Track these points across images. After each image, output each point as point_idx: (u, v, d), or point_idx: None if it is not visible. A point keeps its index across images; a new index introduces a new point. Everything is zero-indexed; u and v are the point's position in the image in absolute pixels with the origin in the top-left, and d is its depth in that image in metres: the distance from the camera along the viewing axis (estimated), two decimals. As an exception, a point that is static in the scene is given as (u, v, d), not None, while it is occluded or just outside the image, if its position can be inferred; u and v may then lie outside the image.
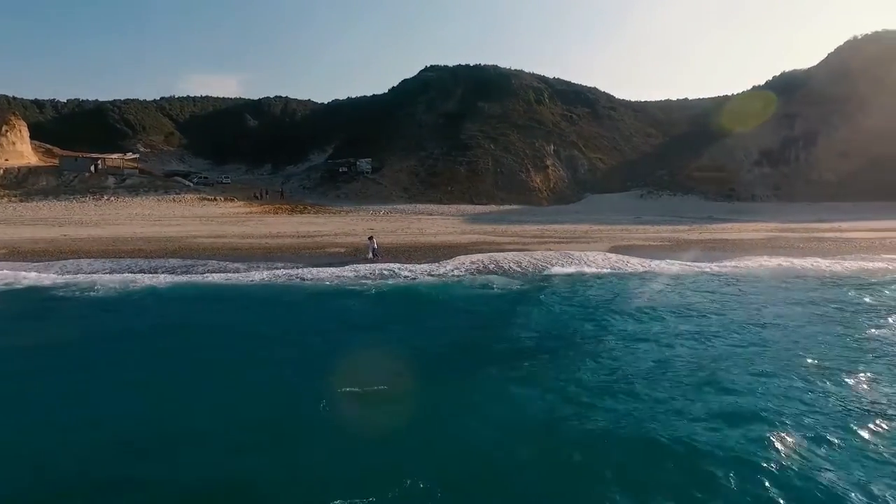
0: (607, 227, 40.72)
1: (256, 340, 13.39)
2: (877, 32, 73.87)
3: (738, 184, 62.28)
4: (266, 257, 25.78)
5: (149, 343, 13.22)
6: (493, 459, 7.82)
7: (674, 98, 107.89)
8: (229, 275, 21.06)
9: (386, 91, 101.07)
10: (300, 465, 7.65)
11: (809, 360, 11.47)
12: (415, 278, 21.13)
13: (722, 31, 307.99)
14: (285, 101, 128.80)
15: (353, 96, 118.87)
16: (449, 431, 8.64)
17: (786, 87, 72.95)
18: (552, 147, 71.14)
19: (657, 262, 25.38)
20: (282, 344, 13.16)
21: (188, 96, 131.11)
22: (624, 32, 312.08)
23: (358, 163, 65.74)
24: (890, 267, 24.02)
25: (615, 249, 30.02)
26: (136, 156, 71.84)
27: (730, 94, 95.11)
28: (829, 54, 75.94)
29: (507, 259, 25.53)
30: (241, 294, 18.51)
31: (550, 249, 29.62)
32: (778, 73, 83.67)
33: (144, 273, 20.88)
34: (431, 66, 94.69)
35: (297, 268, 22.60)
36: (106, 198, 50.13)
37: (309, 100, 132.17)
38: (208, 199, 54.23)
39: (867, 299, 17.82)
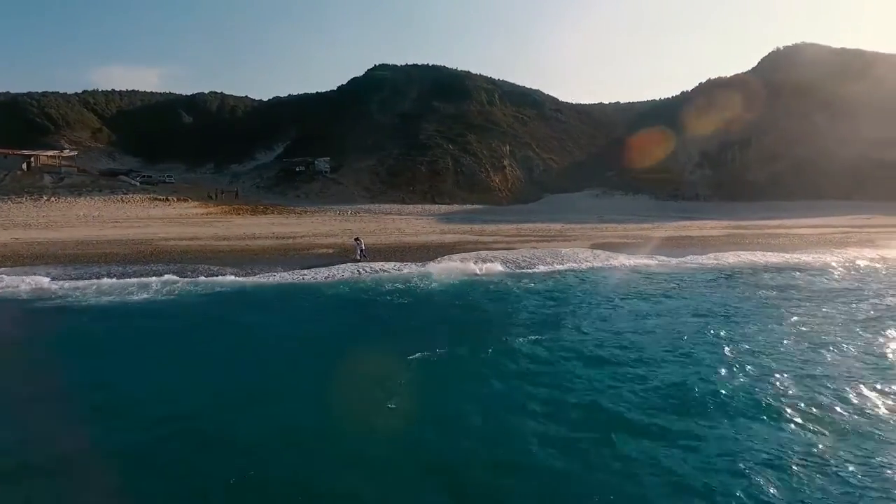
0: (579, 226, 42.19)
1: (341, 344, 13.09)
2: (796, 45, 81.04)
3: (682, 184, 66.32)
4: (255, 260, 24.87)
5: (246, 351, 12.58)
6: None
7: (606, 101, 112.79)
8: (235, 279, 20.25)
9: (334, 89, 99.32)
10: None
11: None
12: (430, 277, 21.20)
13: (654, 39, 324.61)
14: (221, 97, 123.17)
15: (295, 94, 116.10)
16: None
17: (714, 92, 78.29)
18: (507, 147, 72.66)
19: (644, 258, 26.76)
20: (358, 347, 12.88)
21: (113, 90, 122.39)
22: (560, 35, 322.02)
23: (316, 162, 64.20)
24: (841, 259, 26.60)
25: (596, 246, 31.27)
26: (74, 153, 66.48)
27: (659, 98, 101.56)
28: (759, 61, 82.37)
29: (503, 257, 25.99)
30: (278, 296, 18.01)
31: (536, 248, 30.48)
32: (704, 80, 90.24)
33: (145, 278, 19.64)
34: (381, 65, 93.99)
35: (304, 270, 22.15)
36: (45, 198, 46.10)
37: (246, 96, 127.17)
38: (160, 200, 51.20)
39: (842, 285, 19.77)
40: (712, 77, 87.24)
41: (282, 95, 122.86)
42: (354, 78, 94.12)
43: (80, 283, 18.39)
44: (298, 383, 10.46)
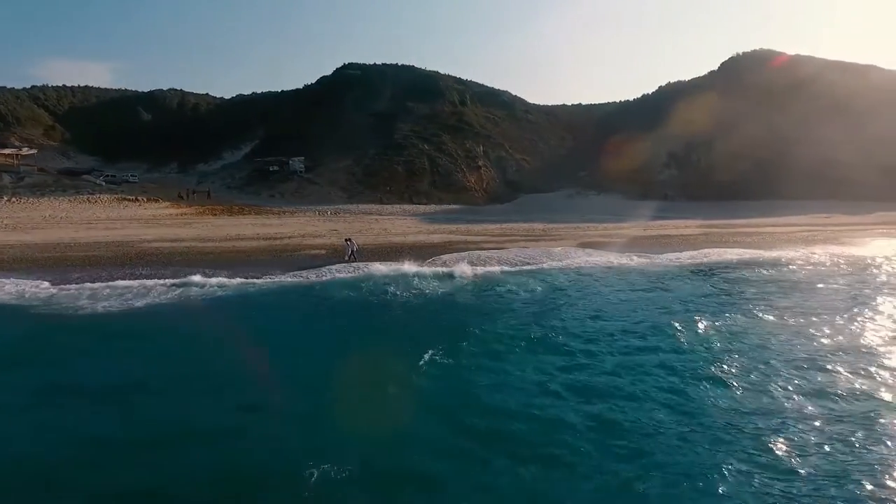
0: (562, 226, 42.99)
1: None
2: (755, 51, 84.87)
3: (652, 184, 68.31)
4: (248, 262, 24.43)
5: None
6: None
7: (569, 103, 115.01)
8: (243, 280, 19.87)
9: (300, 87, 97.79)
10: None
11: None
12: (452, 277, 21.35)
13: (614, 41, 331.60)
14: (182, 94, 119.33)
15: (260, 92, 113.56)
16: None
17: (678, 94, 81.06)
18: (481, 148, 73.24)
19: (635, 256, 27.55)
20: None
21: (64, 86, 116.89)
22: (525, 36, 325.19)
23: (290, 162, 63.05)
24: (813, 254, 28.19)
25: (584, 245, 32.01)
26: (34, 152, 63.11)
27: (619, 101, 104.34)
28: (720, 66, 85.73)
29: (497, 257, 26.30)
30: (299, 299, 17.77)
31: (526, 247, 30.95)
32: (664, 84, 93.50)
33: (147, 280, 19.03)
34: (351, 64, 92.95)
35: (302, 271, 21.93)
36: (6, 199, 43.71)
37: (207, 94, 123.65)
38: (129, 200, 49.32)
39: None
40: (674, 80, 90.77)
41: (245, 93, 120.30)
42: (324, 77, 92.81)
43: (84, 288, 17.67)
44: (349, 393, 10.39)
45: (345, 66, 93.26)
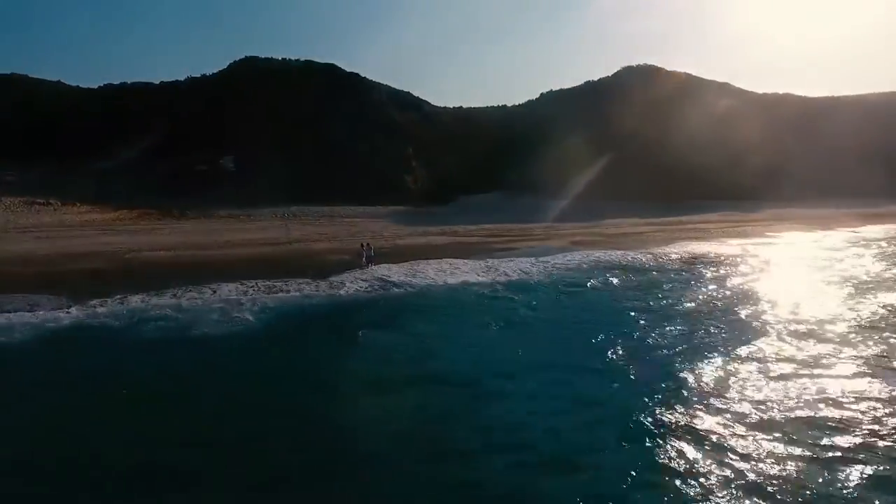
0: (537, 226, 45.25)
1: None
2: (642, 65, 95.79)
3: (570, 186, 73.41)
4: (278, 269, 22.35)
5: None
6: None
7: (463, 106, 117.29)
8: (312, 290, 18.87)
9: (198, 77, 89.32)
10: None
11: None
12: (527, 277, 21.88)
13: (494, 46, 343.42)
14: (23, 81, 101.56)
15: (133, 81, 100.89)
16: None
17: (582, 97, 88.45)
18: (411, 149, 73.26)
19: (639, 253, 30.07)
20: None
21: None
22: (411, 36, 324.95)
23: (222, 161, 57.73)
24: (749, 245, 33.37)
25: (575, 244, 34.04)
26: None
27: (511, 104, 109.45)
28: (613, 74, 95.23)
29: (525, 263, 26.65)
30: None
31: (534, 246, 32.53)
32: (546, 90, 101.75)
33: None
34: (252, 58, 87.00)
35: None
36: None
37: (59, 81, 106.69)
38: (40, 204, 42.15)
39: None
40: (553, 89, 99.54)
41: (115, 83, 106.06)
42: (233, 67, 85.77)
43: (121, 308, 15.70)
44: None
45: (248, 59, 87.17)
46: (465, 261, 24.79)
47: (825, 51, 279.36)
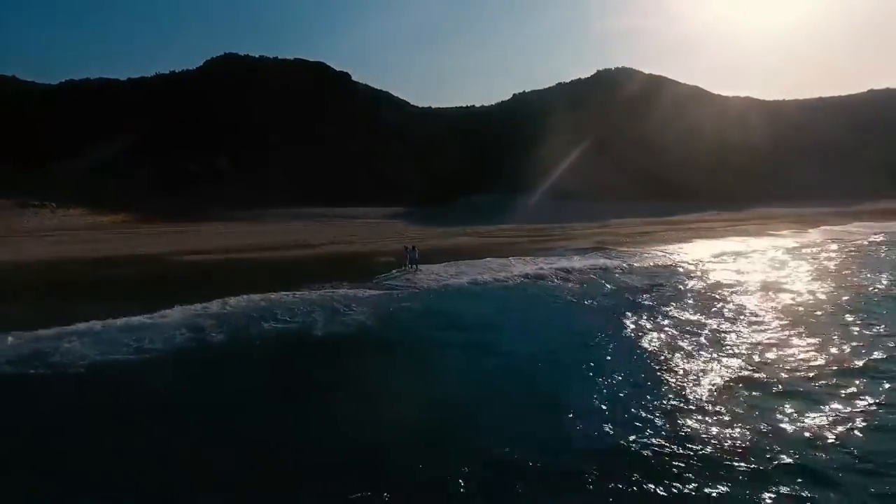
0: (549, 226, 45.56)
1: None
2: (618, 68, 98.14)
3: (561, 185, 74.45)
4: (344, 272, 21.93)
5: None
6: None
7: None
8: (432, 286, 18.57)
9: (176, 72, 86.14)
10: None
11: None
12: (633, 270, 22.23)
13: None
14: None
15: (97, 77, 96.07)
16: None
17: (569, 95, 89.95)
18: (403, 148, 72.77)
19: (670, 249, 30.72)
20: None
21: None
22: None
23: (217, 160, 55.56)
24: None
25: (599, 244, 34.48)
26: None
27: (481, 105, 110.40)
28: (592, 75, 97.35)
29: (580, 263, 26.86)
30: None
31: (558, 245, 32.75)
32: (519, 92, 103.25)
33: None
34: (232, 55, 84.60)
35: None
36: None
37: (14, 76, 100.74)
38: (35, 206, 39.71)
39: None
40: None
41: (77, 79, 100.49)
42: (210, 64, 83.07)
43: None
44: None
45: (228, 55, 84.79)
46: (524, 258, 24.90)
47: (813, 49, 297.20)
